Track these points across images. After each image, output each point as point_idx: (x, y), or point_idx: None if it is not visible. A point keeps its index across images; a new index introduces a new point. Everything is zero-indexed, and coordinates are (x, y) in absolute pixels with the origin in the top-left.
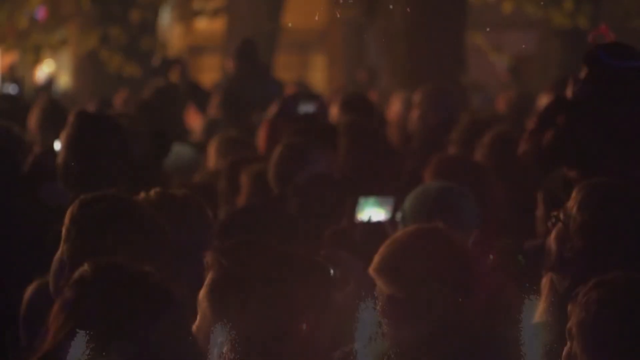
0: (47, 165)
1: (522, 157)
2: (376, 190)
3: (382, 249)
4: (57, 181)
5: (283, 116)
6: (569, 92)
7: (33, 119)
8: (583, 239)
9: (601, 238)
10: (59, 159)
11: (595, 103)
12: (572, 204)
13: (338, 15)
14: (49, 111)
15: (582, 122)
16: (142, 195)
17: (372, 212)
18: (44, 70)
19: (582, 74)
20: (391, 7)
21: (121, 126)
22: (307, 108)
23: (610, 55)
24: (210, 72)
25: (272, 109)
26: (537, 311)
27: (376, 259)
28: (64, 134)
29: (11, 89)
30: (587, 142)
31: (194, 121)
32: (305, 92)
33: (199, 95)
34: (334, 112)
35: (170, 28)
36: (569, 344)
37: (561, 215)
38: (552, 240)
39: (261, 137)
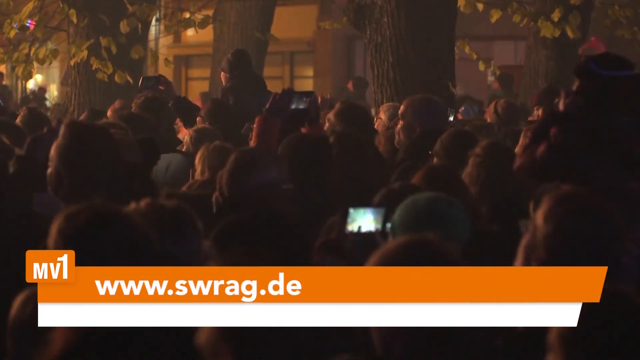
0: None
1: (518, 172)
2: (367, 200)
3: (372, 260)
4: (48, 191)
5: (274, 113)
6: (561, 105)
7: None
8: (546, 251)
9: (563, 250)
10: (50, 169)
11: (587, 115)
12: (539, 214)
13: (326, 27)
14: (28, 121)
15: (574, 134)
16: (133, 205)
17: (363, 222)
18: (36, 79)
19: (574, 86)
20: (379, 17)
21: (112, 136)
22: (299, 104)
23: (602, 66)
24: (198, 82)
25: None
26: None
27: None
28: (55, 144)
29: None
30: (580, 154)
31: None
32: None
33: (185, 110)
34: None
35: (159, 38)
36: (552, 355)
37: (529, 225)
38: (519, 251)
39: (253, 135)
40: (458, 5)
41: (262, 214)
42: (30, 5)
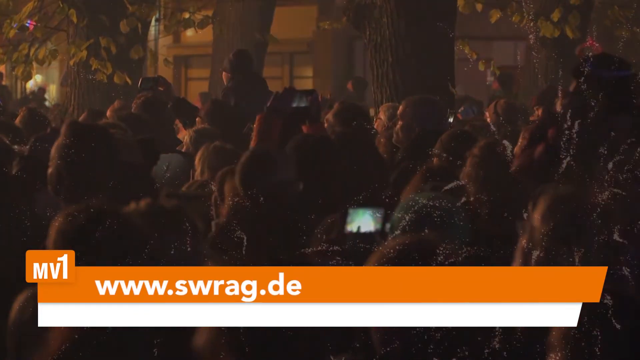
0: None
1: (516, 173)
2: (366, 201)
3: (372, 260)
4: (48, 190)
5: (275, 111)
6: (558, 106)
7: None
8: (544, 251)
9: (561, 250)
10: (51, 169)
11: (585, 115)
12: (536, 214)
13: (325, 27)
14: (27, 121)
15: (572, 134)
16: (133, 205)
17: (362, 222)
18: (35, 80)
19: (571, 86)
20: (379, 17)
21: (112, 136)
22: (300, 102)
23: (599, 67)
24: (198, 82)
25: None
26: None
27: None
28: (55, 144)
29: None
30: (578, 154)
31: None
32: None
33: (185, 111)
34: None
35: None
36: (552, 355)
37: (527, 226)
38: (517, 251)
39: (254, 133)
40: (457, 5)
41: (264, 213)
42: (30, 5)
